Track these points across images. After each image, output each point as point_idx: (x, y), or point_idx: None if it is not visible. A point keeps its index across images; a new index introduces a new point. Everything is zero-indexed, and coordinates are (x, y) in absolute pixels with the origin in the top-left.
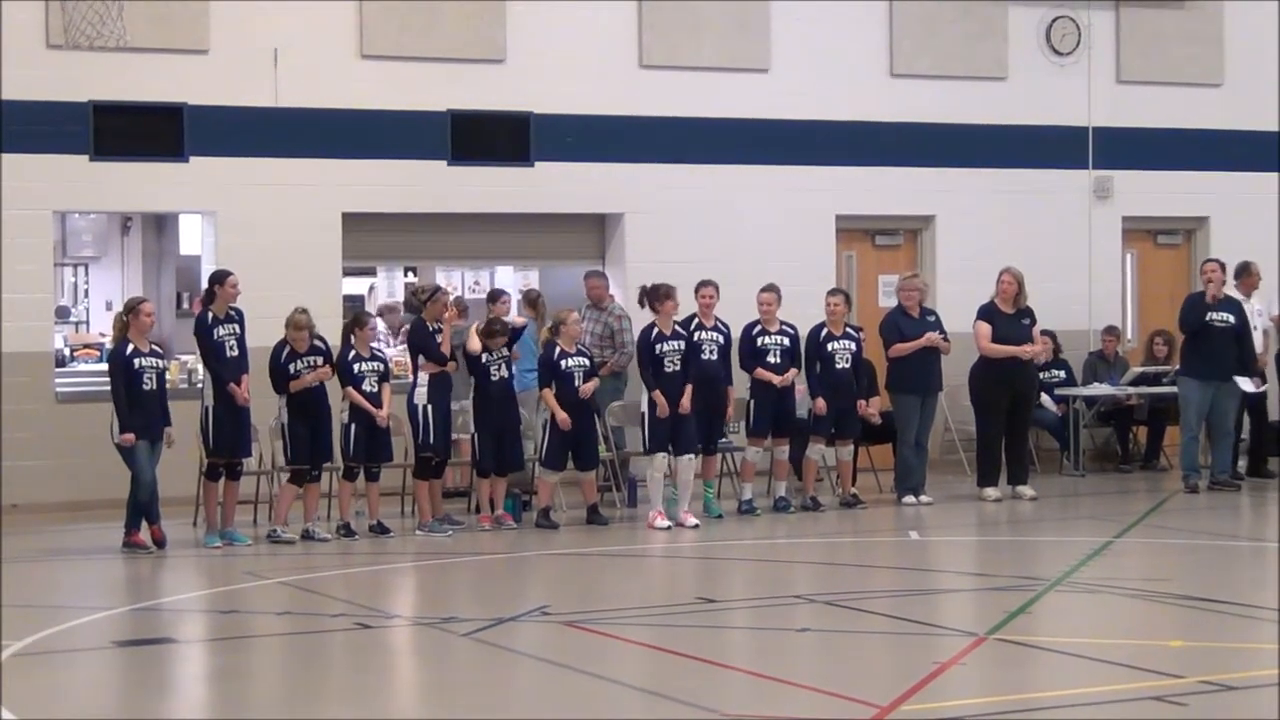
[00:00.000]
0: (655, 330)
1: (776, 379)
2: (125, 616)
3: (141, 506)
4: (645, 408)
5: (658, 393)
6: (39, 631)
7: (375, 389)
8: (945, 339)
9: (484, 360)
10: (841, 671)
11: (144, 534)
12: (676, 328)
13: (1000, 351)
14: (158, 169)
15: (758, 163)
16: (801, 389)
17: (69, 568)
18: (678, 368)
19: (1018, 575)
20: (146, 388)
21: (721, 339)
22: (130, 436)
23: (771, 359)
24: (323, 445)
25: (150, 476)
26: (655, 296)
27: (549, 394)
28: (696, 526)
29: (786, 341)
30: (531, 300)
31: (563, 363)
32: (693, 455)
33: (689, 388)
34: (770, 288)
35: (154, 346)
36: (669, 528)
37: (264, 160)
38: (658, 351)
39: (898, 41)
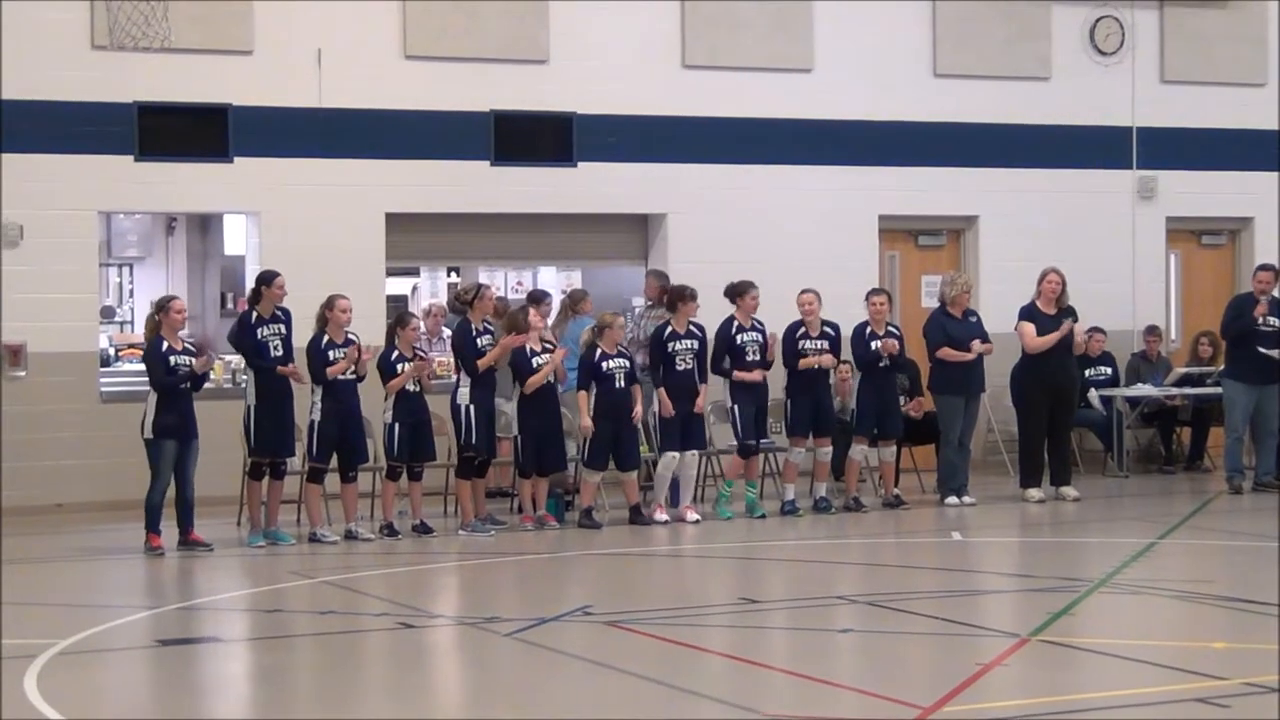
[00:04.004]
0: (669, 328)
1: (824, 360)
2: (169, 615)
3: (158, 508)
4: (655, 405)
5: (662, 391)
6: (83, 630)
7: (416, 388)
8: (988, 342)
9: (535, 365)
10: (883, 672)
11: (163, 537)
12: (691, 327)
13: (1048, 342)
14: (202, 169)
15: (800, 163)
16: (848, 382)
17: (112, 567)
18: (689, 366)
19: (1061, 576)
20: (180, 385)
21: (760, 338)
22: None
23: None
24: (353, 447)
25: (168, 478)
26: (680, 296)
27: (584, 396)
28: (697, 521)
29: (827, 345)
30: (575, 300)
31: (604, 364)
32: (697, 452)
33: (704, 388)
34: (810, 290)
35: (187, 345)
36: (666, 522)
37: (308, 161)
38: (670, 350)
39: (941, 41)
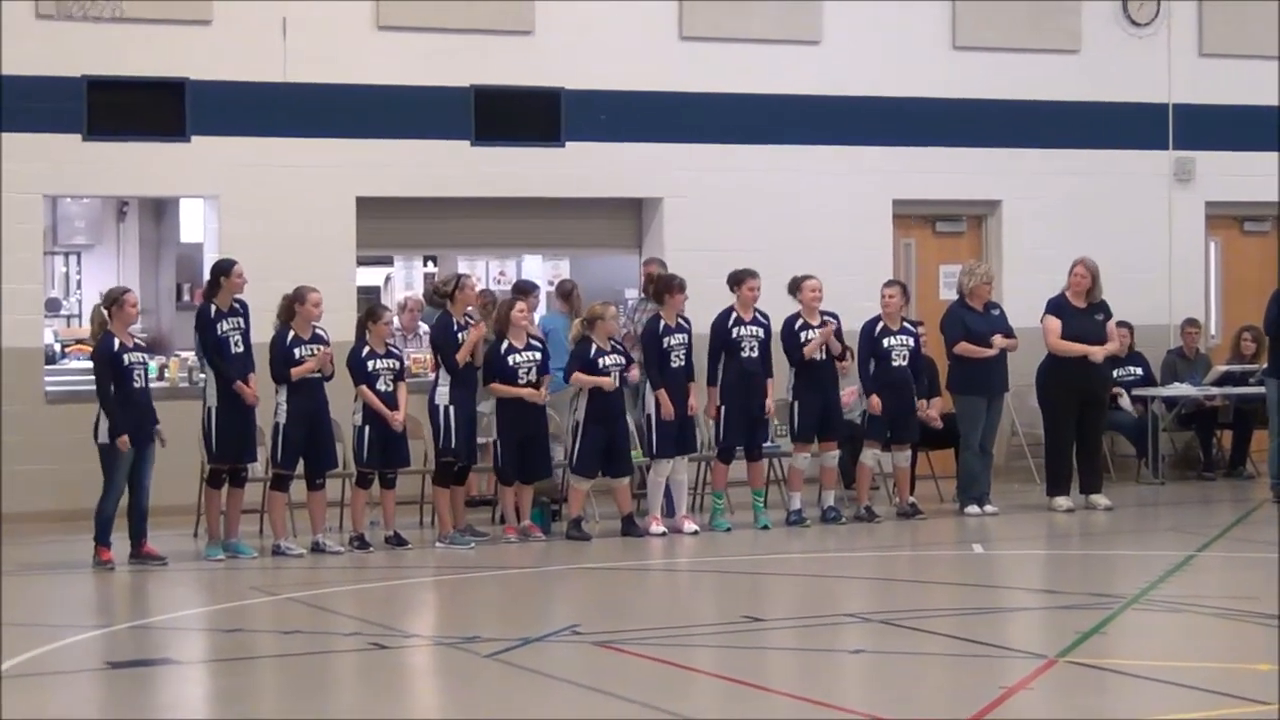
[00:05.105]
0: (661, 322)
1: (824, 333)
2: (120, 635)
3: (110, 519)
4: (650, 408)
5: (662, 392)
6: (28, 651)
7: (390, 388)
8: (1012, 336)
9: (512, 363)
10: (898, 696)
11: (114, 549)
12: (680, 321)
13: (1071, 350)
14: (157, 149)
15: (808, 143)
16: (854, 390)
17: (60, 582)
18: (682, 363)
19: (1091, 592)
20: (136, 385)
21: (762, 333)
22: (126, 439)
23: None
24: (321, 451)
25: (122, 487)
26: (668, 287)
27: (579, 376)
28: (695, 533)
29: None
30: (565, 293)
31: (600, 360)
32: (686, 456)
33: (709, 389)
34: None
35: (138, 340)
36: (663, 534)
37: (272, 140)
38: (665, 345)
39: (961, 11)
